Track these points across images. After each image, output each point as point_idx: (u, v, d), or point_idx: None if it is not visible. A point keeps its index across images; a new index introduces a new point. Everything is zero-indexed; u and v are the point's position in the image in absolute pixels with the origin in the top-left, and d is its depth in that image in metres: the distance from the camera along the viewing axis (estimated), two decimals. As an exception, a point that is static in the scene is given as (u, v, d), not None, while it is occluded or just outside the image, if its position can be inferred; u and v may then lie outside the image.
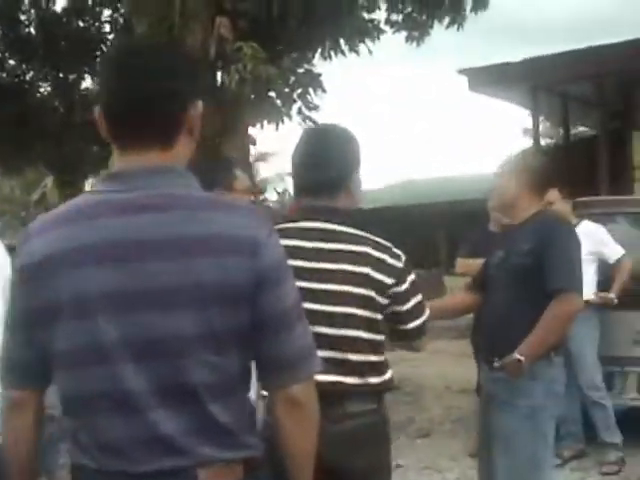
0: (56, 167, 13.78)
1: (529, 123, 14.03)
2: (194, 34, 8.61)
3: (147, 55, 1.84)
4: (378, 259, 2.64)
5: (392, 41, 11.92)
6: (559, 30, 68.88)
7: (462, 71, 12.79)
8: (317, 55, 9.81)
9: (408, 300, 2.72)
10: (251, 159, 10.34)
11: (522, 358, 3.51)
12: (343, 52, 9.81)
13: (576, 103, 13.38)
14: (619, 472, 6.09)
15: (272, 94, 9.02)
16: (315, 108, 9.47)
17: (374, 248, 2.66)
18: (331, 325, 2.60)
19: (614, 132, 13.02)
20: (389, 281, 2.65)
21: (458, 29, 11.75)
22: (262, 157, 35.90)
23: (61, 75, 13.45)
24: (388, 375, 2.73)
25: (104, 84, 1.88)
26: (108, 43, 12.43)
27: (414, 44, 12.11)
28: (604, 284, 6.31)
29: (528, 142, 13.45)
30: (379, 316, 2.67)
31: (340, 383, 2.60)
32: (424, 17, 11.83)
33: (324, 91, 9.59)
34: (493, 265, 3.93)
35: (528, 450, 3.66)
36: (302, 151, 2.79)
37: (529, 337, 3.56)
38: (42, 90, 13.76)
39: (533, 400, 3.66)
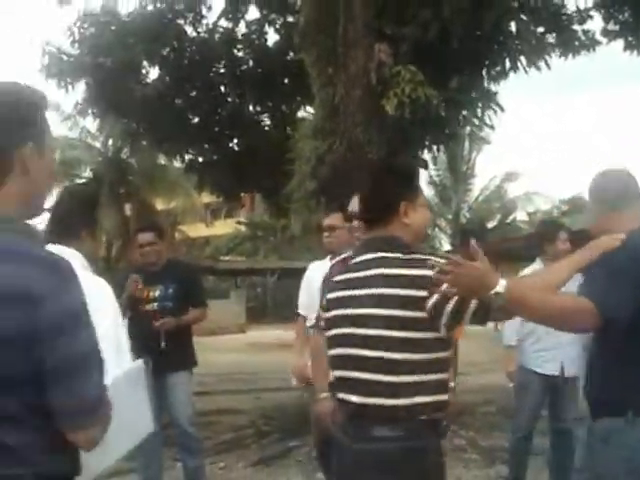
0: (272, 196, 14.68)
1: None
2: (356, 61, 9.10)
3: None
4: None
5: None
6: None
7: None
8: (497, 73, 9.89)
9: None
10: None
11: None
12: (522, 69, 9.78)
13: None
14: None
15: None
16: (491, 127, 9.53)
17: None
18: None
19: None
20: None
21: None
22: (510, 177, 35.74)
23: (277, 107, 14.37)
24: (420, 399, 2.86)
25: None
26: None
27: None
28: None
29: None
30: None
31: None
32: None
33: (502, 109, 9.63)
34: None
35: None
36: None
37: None
38: (262, 123, 14.73)
39: None
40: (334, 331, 3.11)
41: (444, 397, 2.91)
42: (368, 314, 2.89)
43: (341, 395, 3.05)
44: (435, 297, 2.76)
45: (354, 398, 2.95)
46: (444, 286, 2.70)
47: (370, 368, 2.88)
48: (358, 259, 3.07)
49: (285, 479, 7.55)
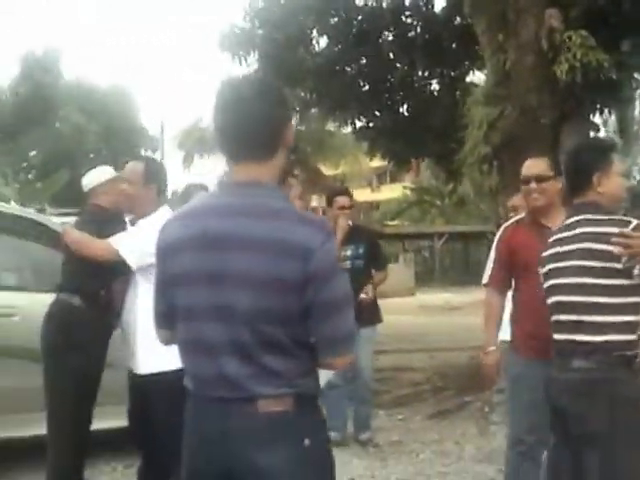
0: (442, 161, 15.03)
1: None
2: (527, 27, 9.36)
3: (243, 90, 2.47)
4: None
5: None
6: None
7: None
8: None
9: None
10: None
11: None
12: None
13: None
14: None
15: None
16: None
17: None
18: None
19: None
20: None
21: None
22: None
23: (445, 72, 14.67)
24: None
25: (215, 113, 2.48)
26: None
27: None
28: None
29: None
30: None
31: None
32: None
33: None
34: None
35: None
36: None
37: None
38: (431, 88, 15.06)
39: None
40: (551, 282, 3.72)
41: (633, 337, 3.47)
42: (577, 265, 3.54)
43: (555, 335, 3.68)
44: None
45: (562, 336, 3.61)
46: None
47: (577, 310, 3.52)
48: (568, 221, 3.71)
49: (461, 431, 8.01)
